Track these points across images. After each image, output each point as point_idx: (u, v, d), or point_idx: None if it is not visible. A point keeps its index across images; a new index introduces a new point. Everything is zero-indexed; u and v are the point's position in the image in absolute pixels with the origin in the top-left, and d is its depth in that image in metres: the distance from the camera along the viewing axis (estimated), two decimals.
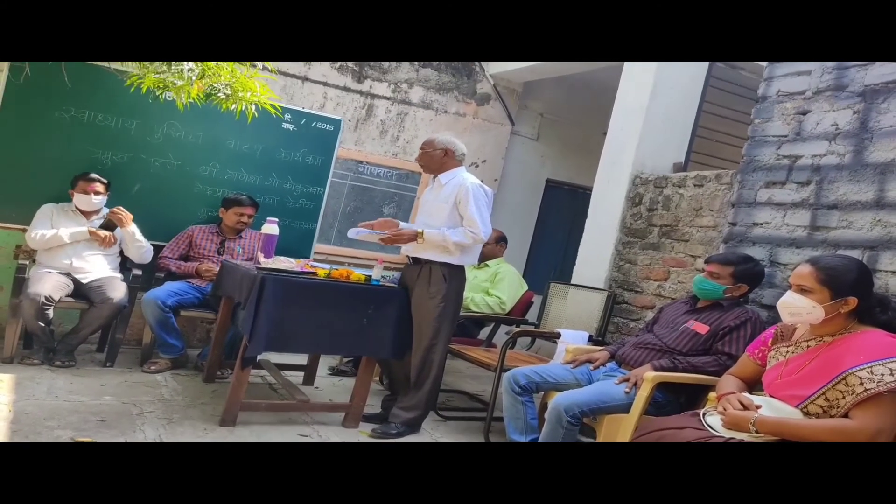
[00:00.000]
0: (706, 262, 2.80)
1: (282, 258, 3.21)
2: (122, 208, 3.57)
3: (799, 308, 2.00)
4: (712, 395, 2.27)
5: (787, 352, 2.09)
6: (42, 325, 3.28)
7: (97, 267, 3.55)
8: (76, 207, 3.56)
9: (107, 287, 3.44)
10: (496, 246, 4.32)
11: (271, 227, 3.37)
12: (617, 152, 3.98)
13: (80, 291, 3.47)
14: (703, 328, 2.66)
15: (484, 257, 3.95)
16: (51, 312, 3.30)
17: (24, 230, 3.54)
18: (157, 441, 2.56)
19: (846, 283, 1.95)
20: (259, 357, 3.10)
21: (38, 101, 3.58)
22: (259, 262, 3.15)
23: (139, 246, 3.64)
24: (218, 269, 3.57)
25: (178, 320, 3.63)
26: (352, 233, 3.23)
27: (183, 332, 3.72)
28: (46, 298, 3.23)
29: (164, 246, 3.85)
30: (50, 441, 2.39)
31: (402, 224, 3.24)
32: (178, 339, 3.63)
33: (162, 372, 3.56)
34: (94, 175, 3.54)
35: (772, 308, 2.72)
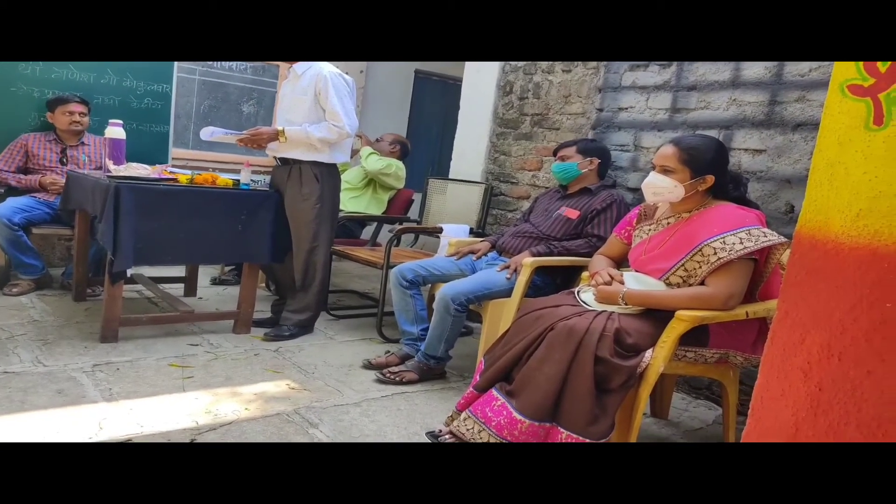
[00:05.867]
0: (554, 153, 2.92)
1: (135, 165, 2.98)
2: None
3: (661, 188, 2.13)
4: (585, 274, 2.43)
5: (650, 230, 2.25)
6: None
7: None
8: None
9: None
10: (391, 147, 4.16)
11: (116, 131, 3.09)
12: None
13: None
14: (573, 213, 2.80)
15: None
16: None
17: None
18: (36, 363, 2.39)
19: (705, 162, 2.09)
20: (130, 272, 2.91)
21: None
22: (109, 171, 2.90)
23: None
24: (63, 180, 3.26)
25: (32, 238, 3.33)
26: (204, 133, 2.97)
27: (40, 251, 3.44)
28: None
29: None
30: None
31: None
32: (36, 258, 3.35)
33: (26, 294, 3.31)
34: None
35: (637, 190, 2.91)
